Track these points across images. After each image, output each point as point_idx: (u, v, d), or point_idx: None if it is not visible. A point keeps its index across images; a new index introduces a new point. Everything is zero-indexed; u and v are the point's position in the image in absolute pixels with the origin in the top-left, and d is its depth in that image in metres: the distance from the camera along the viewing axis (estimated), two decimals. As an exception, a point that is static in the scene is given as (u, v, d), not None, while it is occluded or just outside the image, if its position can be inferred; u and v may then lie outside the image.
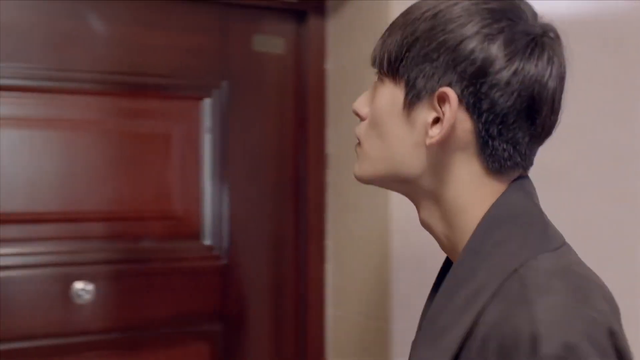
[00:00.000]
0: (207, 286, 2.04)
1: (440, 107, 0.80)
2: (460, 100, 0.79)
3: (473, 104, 0.78)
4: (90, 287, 1.88)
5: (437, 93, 0.79)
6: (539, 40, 0.80)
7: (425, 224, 0.89)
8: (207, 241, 2.05)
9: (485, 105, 0.78)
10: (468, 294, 0.76)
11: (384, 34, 0.86)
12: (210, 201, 2.05)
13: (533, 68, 0.78)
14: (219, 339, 2.05)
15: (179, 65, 1.99)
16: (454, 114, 0.79)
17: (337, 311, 2.09)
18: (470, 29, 0.78)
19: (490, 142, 0.80)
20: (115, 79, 1.93)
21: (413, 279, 1.68)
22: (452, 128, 0.80)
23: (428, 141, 0.81)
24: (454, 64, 0.78)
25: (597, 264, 0.83)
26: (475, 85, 0.78)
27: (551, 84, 0.79)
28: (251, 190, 2.08)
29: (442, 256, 0.95)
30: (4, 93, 1.82)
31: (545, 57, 0.79)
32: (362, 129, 0.90)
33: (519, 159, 0.82)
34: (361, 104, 0.90)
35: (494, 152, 0.80)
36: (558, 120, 0.84)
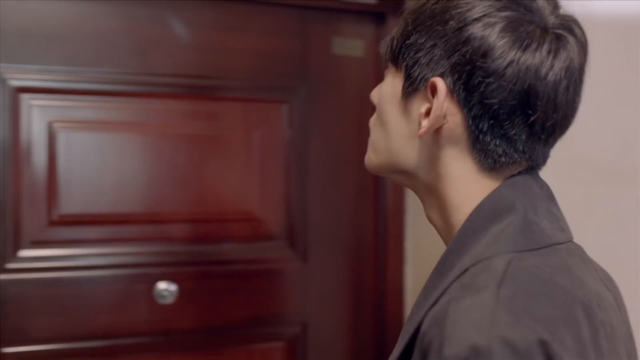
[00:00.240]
0: (287, 288, 2.05)
1: (433, 98, 0.77)
2: (451, 92, 0.75)
3: (464, 96, 0.75)
4: (173, 287, 1.91)
5: (429, 83, 0.77)
6: (544, 32, 0.74)
7: (429, 220, 0.86)
8: (288, 243, 2.06)
9: (475, 98, 0.74)
10: (437, 293, 0.74)
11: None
12: (290, 203, 2.06)
13: (530, 59, 0.73)
14: (298, 340, 2.06)
15: (260, 68, 2.01)
16: (441, 105, 0.75)
17: (417, 315, 2.06)
18: (469, 17, 0.74)
19: (481, 138, 0.76)
20: (197, 83, 1.97)
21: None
22: (443, 120, 0.77)
23: (418, 132, 0.78)
24: (448, 54, 0.75)
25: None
26: (466, 76, 0.74)
27: (551, 78, 0.74)
28: (331, 192, 2.09)
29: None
30: (90, 97, 1.87)
31: (544, 48, 0.73)
32: (372, 118, 0.88)
33: (515, 156, 0.77)
34: (375, 94, 0.88)
35: (486, 148, 0.76)
36: (566, 119, 0.77)
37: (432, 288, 0.76)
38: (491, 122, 0.74)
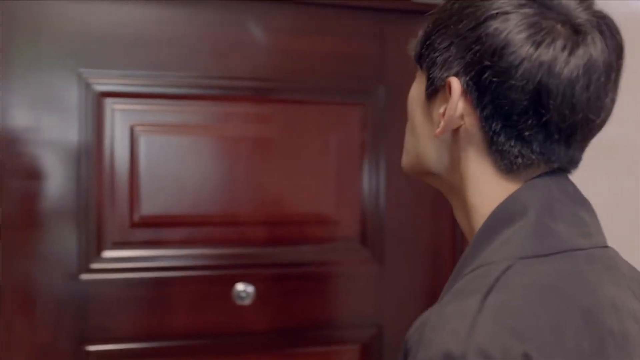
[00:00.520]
0: (363, 291, 2.05)
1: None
2: (465, 92, 0.74)
3: (477, 96, 0.73)
4: (250, 289, 1.93)
5: (446, 83, 0.75)
6: (562, 27, 0.71)
7: (458, 222, 0.85)
8: (364, 246, 2.06)
9: (487, 98, 0.72)
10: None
11: None
12: (367, 206, 2.05)
13: (543, 55, 0.69)
14: (373, 343, 2.06)
15: (337, 71, 2.01)
16: (455, 105, 0.74)
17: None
18: (483, 16, 0.72)
19: (495, 139, 0.74)
20: (274, 86, 1.98)
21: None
22: (460, 121, 0.75)
23: (435, 133, 0.78)
24: (462, 53, 0.74)
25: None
26: (478, 75, 0.72)
27: (566, 74, 0.70)
28: (408, 196, 2.07)
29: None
30: (170, 101, 1.90)
31: (559, 44, 0.70)
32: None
33: (533, 157, 0.74)
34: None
35: (501, 149, 0.74)
36: (588, 120, 0.73)
37: (443, 294, 0.75)
38: (504, 122, 0.72)
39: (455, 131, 0.77)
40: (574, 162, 0.77)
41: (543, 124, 0.71)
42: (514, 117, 0.72)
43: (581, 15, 0.72)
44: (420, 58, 0.81)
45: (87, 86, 1.84)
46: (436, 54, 0.77)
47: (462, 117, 0.75)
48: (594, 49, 0.71)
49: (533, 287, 0.68)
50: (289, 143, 1.98)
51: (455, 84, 0.74)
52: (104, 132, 1.85)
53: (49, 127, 1.81)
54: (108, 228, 1.86)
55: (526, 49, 0.70)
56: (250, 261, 1.96)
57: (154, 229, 1.89)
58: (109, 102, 1.86)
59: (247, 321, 1.95)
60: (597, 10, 0.74)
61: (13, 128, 1.79)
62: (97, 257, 1.85)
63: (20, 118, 1.79)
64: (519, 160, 0.74)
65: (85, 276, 1.84)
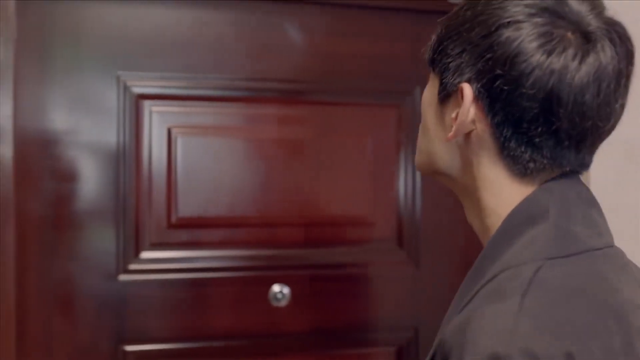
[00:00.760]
0: (399, 293, 2.04)
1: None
2: (477, 98, 0.75)
3: (488, 103, 0.75)
4: (286, 290, 1.93)
5: (458, 89, 0.77)
6: (572, 35, 0.72)
7: (469, 222, 0.86)
8: (400, 247, 2.05)
9: (498, 105, 0.74)
10: (467, 299, 0.74)
11: None
12: (403, 208, 2.05)
13: (554, 63, 0.71)
14: (409, 345, 2.05)
15: (372, 73, 2.01)
16: (467, 111, 0.76)
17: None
18: (495, 24, 0.73)
19: (507, 144, 0.75)
20: (310, 88, 1.99)
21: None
22: (472, 126, 0.77)
23: (447, 136, 0.80)
24: (475, 61, 0.75)
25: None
26: (489, 83, 0.74)
27: (577, 82, 0.71)
28: (444, 198, 2.06)
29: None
30: (207, 103, 1.92)
31: (570, 52, 0.71)
32: None
33: (545, 162, 0.75)
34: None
35: (513, 154, 0.76)
36: (597, 127, 0.74)
37: (464, 294, 0.76)
38: (515, 129, 0.74)
39: (467, 135, 0.79)
40: (584, 166, 0.79)
41: (553, 131, 0.73)
42: (525, 124, 0.73)
43: (592, 23, 0.73)
44: (433, 62, 0.83)
45: (126, 89, 1.86)
46: (449, 60, 0.78)
47: (473, 122, 0.77)
48: (604, 56, 0.72)
49: (565, 289, 0.69)
50: (325, 145, 1.98)
51: (468, 90, 0.76)
52: (141, 134, 1.87)
53: (88, 129, 1.84)
54: (146, 229, 1.87)
55: (537, 58, 0.71)
56: (287, 262, 1.96)
57: (191, 230, 1.90)
58: (146, 104, 1.88)
59: (282, 322, 1.95)
60: (608, 17, 0.75)
61: (53, 130, 1.81)
62: (135, 258, 1.87)
63: (60, 120, 1.82)
64: (531, 165, 0.76)
65: (123, 277, 1.86)
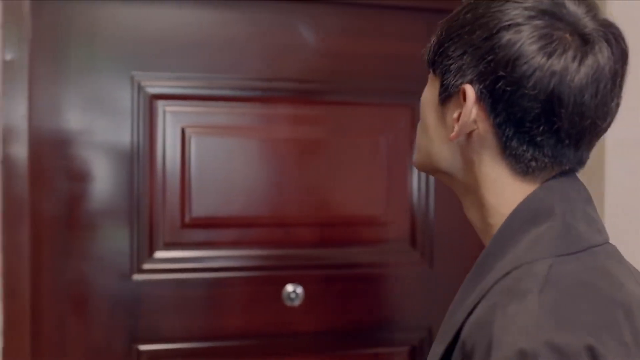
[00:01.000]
0: (412, 292, 2.04)
1: (464, 104, 0.79)
2: (479, 99, 0.77)
3: (491, 103, 0.77)
4: (300, 290, 1.94)
5: (460, 90, 0.79)
6: (571, 37, 0.74)
7: (470, 220, 0.88)
8: (414, 248, 2.05)
9: (501, 106, 0.76)
10: (476, 295, 0.75)
11: None
12: (416, 208, 2.05)
13: (555, 65, 0.73)
14: (423, 345, 2.05)
15: (386, 73, 2.01)
16: (469, 111, 0.78)
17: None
18: (497, 27, 0.76)
19: (509, 143, 0.77)
20: (324, 88, 1.99)
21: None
22: (474, 126, 0.79)
23: (449, 136, 0.81)
24: (476, 62, 0.77)
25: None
26: (492, 84, 0.76)
27: (577, 83, 0.73)
28: (457, 197, 2.05)
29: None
30: (221, 103, 1.92)
31: (570, 54, 0.73)
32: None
33: (546, 161, 0.78)
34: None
35: (515, 153, 0.78)
36: (595, 125, 0.77)
37: (470, 289, 0.78)
38: (517, 128, 0.76)
39: (469, 135, 0.80)
40: (582, 163, 0.81)
41: (555, 130, 0.75)
42: (527, 124, 0.75)
43: (588, 25, 0.75)
44: (433, 64, 0.85)
45: (140, 89, 1.86)
46: (450, 62, 0.80)
47: (475, 122, 0.78)
48: (602, 57, 0.75)
49: (577, 285, 0.71)
50: (339, 144, 1.98)
51: (470, 91, 0.77)
52: (155, 134, 1.87)
53: (103, 129, 1.84)
54: (160, 229, 1.88)
55: (538, 60, 0.73)
56: (300, 262, 1.97)
57: (205, 230, 1.90)
58: (160, 104, 1.88)
59: (296, 322, 1.96)
60: (603, 18, 0.78)
61: (67, 130, 1.82)
62: (149, 257, 1.87)
63: (75, 120, 1.83)
64: (533, 163, 0.78)
65: (137, 276, 1.86)
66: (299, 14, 1.95)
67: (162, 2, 1.86)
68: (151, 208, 1.87)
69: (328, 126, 1.98)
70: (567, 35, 0.74)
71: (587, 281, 0.72)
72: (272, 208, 1.95)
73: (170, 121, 1.88)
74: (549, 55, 0.73)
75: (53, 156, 1.81)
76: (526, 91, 0.74)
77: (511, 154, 0.78)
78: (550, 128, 0.75)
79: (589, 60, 0.74)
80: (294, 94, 1.96)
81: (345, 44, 1.99)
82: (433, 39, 0.85)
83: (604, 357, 0.66)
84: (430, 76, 0.87)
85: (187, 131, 1.89)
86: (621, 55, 0.77)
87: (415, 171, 2.04)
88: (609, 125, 0.80)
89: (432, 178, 2.04)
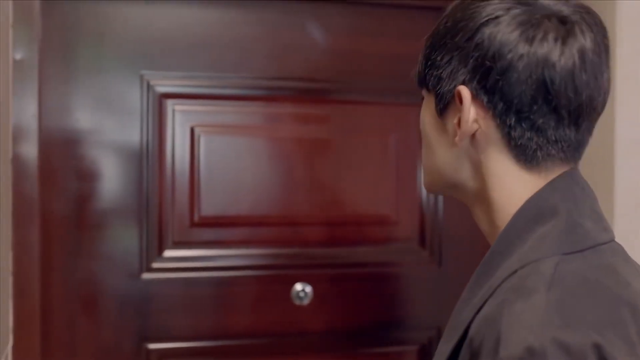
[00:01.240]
0: (421, 292, 2.04)
1: (462, 107, 0.80)
2: (475, 96, 0.79)
3: (487, 97, 0.78)
4: (309, 289, 1.94)
5: (455, 93, 0.81)
6: (549, 22, 0.77)
7: (480, 227, 0.88)
8: (423, 247, 2.05)
9: (497, 97, 0.77)
10: (484, 293, 0.76)
11: None
12: (426, 207, 2.05)
13: (538, 50, 0.76)
14: (432, 344, 2.05)
15: (394, 72, 2.01)
16: (468, 110, 0.79)
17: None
18: (476, 24, 0.78)
19: (512, 133, 0.79)
20: (333, 87, 1.99)
21: None
22: (475, 125, 0.80)
23: (454, 140, 0.82)
24: (465, 63, 0.79)
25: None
26: (484, 78, 0.78)
27: (563, 64, 0.76)
28: (466, 196, 2.06)
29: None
30: (229, 102, 1.92)
31: (551, 37, 0.76)
32: None
33: (549, 147, 0.79)
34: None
35: (520, 143, 0.79)
36: (592, 99, 0.78)
37: (477, 287, 0.78)
38: (517, 115, 0.77)
39: (472, 137, 0.81)
40: (582, 146, 0.82)
41: (553, 108, 0.77)
42: (525, 108, 0.77)
43: (563, 9, 0.78)
44: (425, 79, 0.86)
45: (149, 88, 1.86)
46: (440, 71, 0.82)
47: (476, 121, 0.80)
48: (582, 35, 0.77)
49: (584, 282, 0.72)
50: (348, 144, 1.98)
51: (465, 91, 0.79)
52: (165, 133, 1.87)
53: (112, 129, 1.84)
54: (169, 228, 1.88)
55: (522, 46, 0.76)
56: (309, 261, 1.97)
57: (214, 229, 1.90)
58: (170, 103, 1.88)
59: (305, 321, 1.96)
60: (577, 3, 0.80)
61: (77, 130, 1.82)
62: (159, 256, 1.88)
63: (84, 120, 1.83)
64: (538, 153, 0.79)
65: (146, 275, 1.86)
66: (307, 13, 1.95)
67: (171, 2, 1.86)
68: (160, 207, 1.87)
69: (337, 125, 1.98)
70: (546, 20, 0.77)
71: (593, 279, 0.73)
72: (281, 207, 1.95)
73: (180, 120, 1.88)
74: (532, 40, 0.76)
75: (63, 155, 1.81)
76: (517, 75, 0.76)
77: (516, 144, 0.79)
78: (549, 107, 0.77)
79: (571, 39, 0.77)
80: (303, 93, 1.96)
81: (353, 43, 1.98)
82: (420, 57, 0.87)
83: (610, 354, 0.66)
84: (424, 94, 0.88)
85: (197, 130, 1.89)
86: (600, 30, 0.80)
87: (424, 170, 2.04)
88: (604, 102, 0.81)
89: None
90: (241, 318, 1.92)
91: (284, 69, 1.94)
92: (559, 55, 0.76)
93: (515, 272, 0.74)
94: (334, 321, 1.98)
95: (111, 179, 1.84)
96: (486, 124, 0.79)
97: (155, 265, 1.87)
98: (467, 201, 0.89)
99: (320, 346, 1.98)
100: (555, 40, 0.76)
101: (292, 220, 1.95)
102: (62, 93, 1.81)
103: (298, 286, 1.94)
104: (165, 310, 1.87)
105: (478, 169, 0.83)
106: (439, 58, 0.82)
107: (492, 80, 0.77)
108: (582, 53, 0.77)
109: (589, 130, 0.82)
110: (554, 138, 0.78)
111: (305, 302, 1.94)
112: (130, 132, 1.85)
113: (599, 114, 0.82)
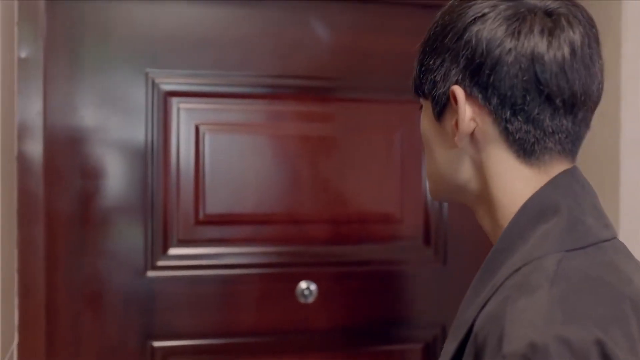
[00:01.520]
0: (426, 290, 2.04)
1: (457, 107, 0.82)
2: (469, 94, 0.80)
3: (481, 94, 0.79)
4: (313, 287, 1.94)
5: (450, 94, 0.82)
6: (534, 15, 0.78)
7: (483, 229, 0.89)
8: (427, 245, 2.05)
9: (490, 91, 0.78)
10: (487, 291, 0.77)
11: None
12: (430, 206, 2.05)
13: (525, 43, 0.77)
14: (437, 343, 2.05)
15: (400, 70, 1.99)
16: (464, 109, 0.80)
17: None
18: (463, 24, 0.80)
19: (509, 128, 0.79)
20: (338, 85, 1.99)
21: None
22: (473, 124, 0.81)
23: (454, 141, 0.83)
24: (456, 63, 0.80)
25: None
26: (476, 76, 0.79)
27: (552, 55, 0.77)
28: (471, 194, 2.06)
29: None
30: (234, 100, 1.92)
31: (537, 30, 0.77)
32: None
33: (547, 141, 0.80)
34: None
35: (517, 137, 0.80)
36: (587, 87, 0.79)
37: (481, 285, 0.79)
38: (512, 108, 0.78)
39: (471, 136, 0.82)
40: (579, 139, 0.83)
41: (546, 98, 0.77)
42: (519, 101, 0.78)
43: (549, 3, 0.80)
44: (420, 86, 0.87)
45: (154, 86, 1.86)
46: (433, 75, 0.83)
47: (473, 119, 0.80)
48: (569, 26, 0.79)
49: (586, 279, 0.73)
50: (353, 141, 1.98)
51: (458, 90, 0.80)
52: (170, 131, 1.87)
53: (117, 127, 1.84)
54: (174, 226, 1.88)
55: (510, 40, 0.77)
56: (314, 259, 1.97)
57: (218, 227, 1.91)
58: (174, 101, 1.88)
59: (310, 319, 1.96)
60: None
61: (82, 128, 1.82)
62: (163, 254, 1.88)
63: (89, 118, 1.83)
64: (536, 146, 0.80)
65: (151, 273, 1.87)
66: (311, 10, 1.95)
67: (175, 0, 1.86)
68: (165, 205, 1.87)
69: (342, 123, 1.98)
70: (532, 14, 0.78)
71: (596, 276, 0.74)
72: (285, 205, 1.95)
73: (185, 118, 1.88)
74: (518, 34, 0.77)
75: (68, 153, 1.81)
76: (507, 69, 0.77)
77: (515, 139, 0.80)
78: (541, 97, 0.77)
79: (557, 30, 0.78)
80: (307, 91, 1.96)
81: (358, 41, 1.98)
82: (415, 65, 0.89)
83: (612, 350, 0.66)
84: (422, 102, 0.89)
85: (201, 128, 1.89)
86: (587, 20, 0.81)
87: (429, 168, 2.04)
88: (599, 91, 0.82)
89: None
90: (246, 316, 1.92)
91: (289, 67, 1.94)
92: (546, 47, 0.77)
93: (518, 269, 0.75)
94: (338, 319, 1.98)
95: (116, 177, 1.85)
96: (483, 120, 0.80)
97: (160, 263, 1.87)
98: (470, 203, 0.90)
99: (325, 344, 1.99)
100: (542, 32, 0.77)
101: (297, 218, 1.95)
102: (67, 91, 1.81)
103: (303, 284, 1.94)
104: (170, 308, 1.88)
105: (479, 169, 0.84)
106: (431, 62, 0.84)
107: (484, 76, 0.78)
108: (570, 44, 0.78)
109: (586, 122, 0.82)
110: (550, 129, 0.79)
111: (310, 300, 1.94)
112: (135, 130, 1.85)
113: (595, 104, 0.82)
